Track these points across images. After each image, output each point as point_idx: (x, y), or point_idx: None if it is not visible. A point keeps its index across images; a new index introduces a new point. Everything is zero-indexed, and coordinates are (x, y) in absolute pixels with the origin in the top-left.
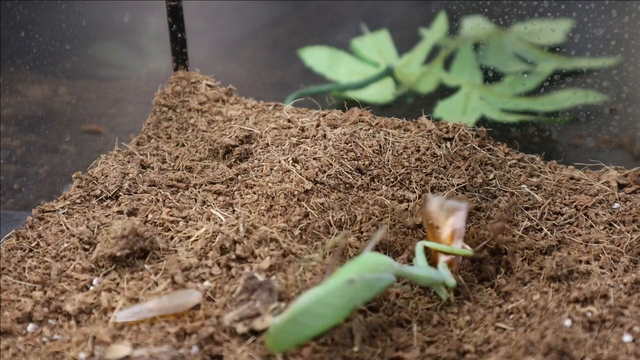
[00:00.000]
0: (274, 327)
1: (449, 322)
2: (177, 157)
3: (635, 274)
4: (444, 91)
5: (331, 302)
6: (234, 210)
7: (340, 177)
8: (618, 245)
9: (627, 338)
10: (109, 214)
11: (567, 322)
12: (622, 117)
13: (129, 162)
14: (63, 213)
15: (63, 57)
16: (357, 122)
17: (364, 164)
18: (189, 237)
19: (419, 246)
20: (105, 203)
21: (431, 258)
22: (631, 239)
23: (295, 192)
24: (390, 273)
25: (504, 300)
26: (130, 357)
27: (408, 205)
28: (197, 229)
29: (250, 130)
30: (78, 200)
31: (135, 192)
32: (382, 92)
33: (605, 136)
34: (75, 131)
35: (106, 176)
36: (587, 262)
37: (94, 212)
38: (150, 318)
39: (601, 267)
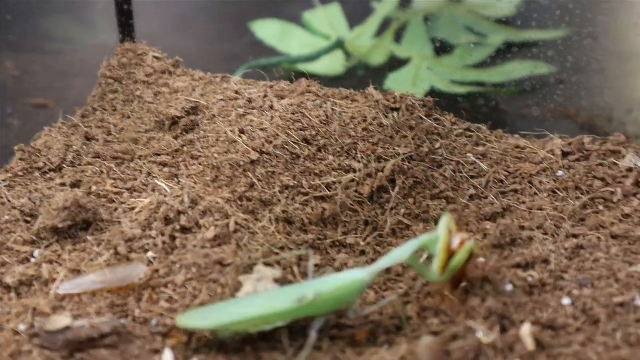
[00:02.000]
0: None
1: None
2: (123, 129)
3: (576, 240)
4: (395, 63)
5: (270, 303)
6: (179, 182)
7: (287, 147)
8: (561, 212)
9: (566, 301)
10: (52, 187)
11: (509, 287)
12: (567, 86)
13: (73, 134)
14: (5, 186)
15: (6, 29)
16: (304, 93)
17: (310, 135)
18: (133, 209)
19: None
20: (48, 176)
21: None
22: (574, 205)
23: (241, 163)
24: (365, 284)
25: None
26: (71, 328)
27: (354, 176)
28: (141, 201)
29: (197, 102)
30: (20, 173)
31: (79, 165)
32: (333, 64)
33: (550, 106)
34: (21, 105)
35: (49, 149)
36: (531, 229)
37: (36, 184)
38: (93, 290)
39: (544, 234)
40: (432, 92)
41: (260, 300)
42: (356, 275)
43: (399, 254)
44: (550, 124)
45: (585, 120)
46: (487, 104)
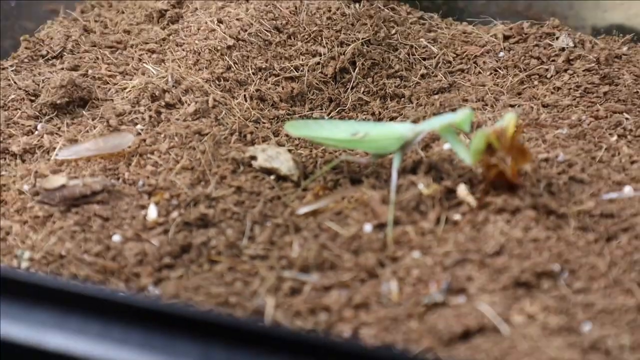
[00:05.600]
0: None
1: None
2: (117, 22)
3: (512, 109)
4: None
5: (337, 131)
6: (165, 65)
7: (260, 34)
8: (501, 87)
9: None
10: (53, 71)
11: (446, 146)
12: None
13: (72, 27)
14: (12, 70)
15: None
16: None
17: (281, 24)
18: (124, 89)
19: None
20: (50, 62)
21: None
22: (512, 81)
23: (219, 48)
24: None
25: None
26: (66, 186)
27: (320, 59)
28: (131, 82)
29: None
30: (26, 60)
31: (78, 52)
32: None
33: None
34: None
35: (51, 39)
36: (472, 101)
37: (40, 69)
38: (88, 156)
39: (484, 105)
40: None
41: (333, 127)
42: (398, 129)
43: (437, 120)
44: (494, 12)
45: (532, 15)
46: None
